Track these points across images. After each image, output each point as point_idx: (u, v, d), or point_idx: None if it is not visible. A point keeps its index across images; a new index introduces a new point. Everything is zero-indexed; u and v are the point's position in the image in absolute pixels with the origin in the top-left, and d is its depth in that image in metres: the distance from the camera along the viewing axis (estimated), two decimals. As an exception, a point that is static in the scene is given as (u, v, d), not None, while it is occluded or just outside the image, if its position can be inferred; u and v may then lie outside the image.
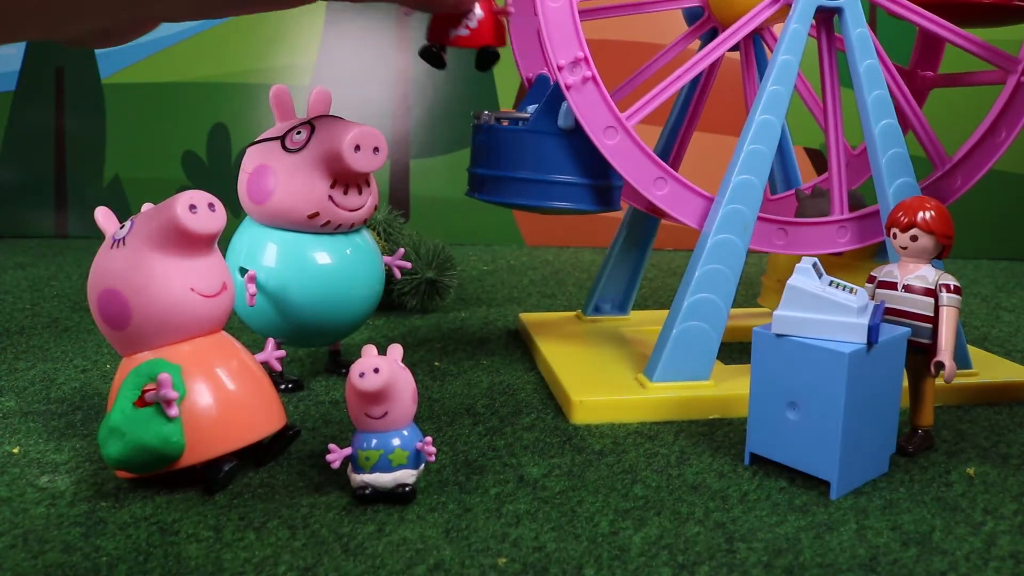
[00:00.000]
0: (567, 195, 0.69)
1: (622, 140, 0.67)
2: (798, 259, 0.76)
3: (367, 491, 0.50)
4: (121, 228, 0.53)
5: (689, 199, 0.69)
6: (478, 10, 0.58)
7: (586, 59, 0.65)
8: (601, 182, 0.70)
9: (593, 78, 0.65)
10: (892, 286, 0.58)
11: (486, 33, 0.59)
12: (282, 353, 0.60)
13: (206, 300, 0.53)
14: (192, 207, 0.51)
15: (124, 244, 0.52)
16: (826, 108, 0.71)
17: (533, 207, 0.69)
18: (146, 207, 0.54)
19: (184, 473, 0.52)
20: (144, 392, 0.49)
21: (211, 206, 0.52)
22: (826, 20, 0.69)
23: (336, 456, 0.50)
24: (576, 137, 0.67)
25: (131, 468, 0.49)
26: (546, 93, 0.68)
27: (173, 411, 0.49)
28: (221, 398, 0.52)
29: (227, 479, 0.52)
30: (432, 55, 0.60)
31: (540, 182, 0.68)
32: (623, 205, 0.77)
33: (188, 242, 0.51)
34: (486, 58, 0.60)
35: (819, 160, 1.50)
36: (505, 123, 0.69)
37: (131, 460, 0.48)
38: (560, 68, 0.65)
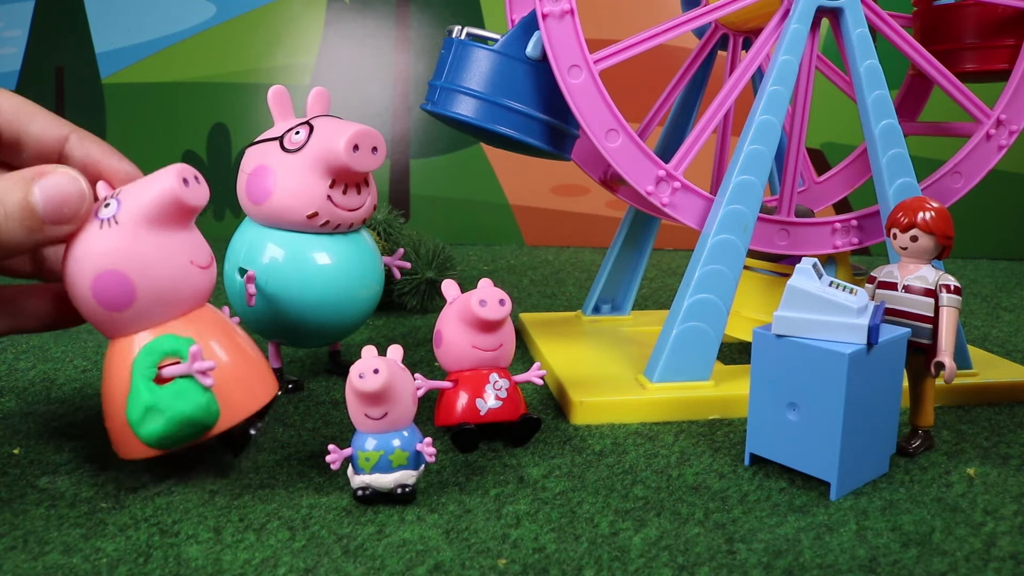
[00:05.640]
0: (516, 123, 0.67)
1: (585, 81, 0.65)
2: (761, 291, 0.76)
3: (367, 492, 0.50)
4: (106, 207, 0.50)
5: (639, 159, 0.67)
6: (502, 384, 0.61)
7: None
8: (554, 121, 0.68)
9: (571, 12, 0.64)
10: (892, 286, 0.58)
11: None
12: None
13: (202, 271, 0.53)
14: (185, 180, 0.51)
15: (116, 223, 0.50)
16: (795, 108, 0.71)
17: (478, 126, 0.67)
18: (104, 185, 0.53)
19: (197, 449, 0.53)
20: (160, 368, 0.49)
21: (197, 179, 0.52)
22: (816, 22, 0.69)
23: (336, 457, 0.50)
24: (541, 70, 0.66)
25: (171, 444, 0.49)
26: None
27: (208, 380, 0.49)
28: (233, 362, 0.53)
29: (252, 441, 0.54)
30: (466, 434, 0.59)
31: (492, 103, 0.66)
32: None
33: (183, 215, 0.51)
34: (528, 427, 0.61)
35: (819, 160, 1.50)
36: (481, 41, 0.68)
37: (173, 435, 0.48)
38: None
